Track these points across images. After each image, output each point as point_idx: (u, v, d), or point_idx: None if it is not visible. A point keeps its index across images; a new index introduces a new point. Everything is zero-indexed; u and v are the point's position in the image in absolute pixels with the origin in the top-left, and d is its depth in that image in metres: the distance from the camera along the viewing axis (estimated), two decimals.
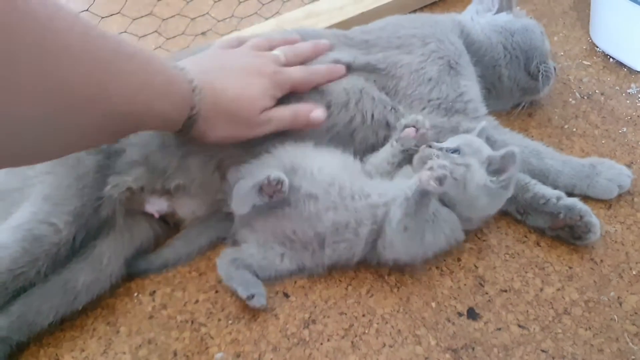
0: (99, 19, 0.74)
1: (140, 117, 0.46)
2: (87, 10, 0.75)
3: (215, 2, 0.90)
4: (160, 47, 0.81)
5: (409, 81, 0.64)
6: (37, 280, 0.53)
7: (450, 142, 0.56)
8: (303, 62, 0.62)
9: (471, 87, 0.65)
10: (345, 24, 0.82)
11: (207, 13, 0.90)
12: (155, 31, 0.83)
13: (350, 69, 0.64)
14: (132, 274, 0.58)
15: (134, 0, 0.88)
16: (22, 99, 0.35)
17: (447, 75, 0.64)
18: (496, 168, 0.54)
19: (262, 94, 0.55)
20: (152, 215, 0.60)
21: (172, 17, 0.86)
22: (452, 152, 0.54)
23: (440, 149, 0.54)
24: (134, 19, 0.81)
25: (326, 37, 0.69)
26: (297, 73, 0.59)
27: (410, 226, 0.51)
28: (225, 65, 0.56)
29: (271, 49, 0.61)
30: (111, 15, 0.78)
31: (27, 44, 0.34)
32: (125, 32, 0.81)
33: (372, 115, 0.62)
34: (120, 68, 0.42)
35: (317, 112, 0.58)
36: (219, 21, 0.88)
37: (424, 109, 0.63)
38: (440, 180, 0.47)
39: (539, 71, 0.68)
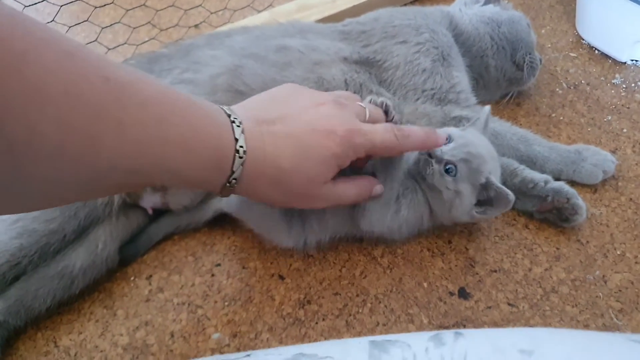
0: (92, 9, 0.75)
1: (152, 176, 0.39)
2: (79, 0, 0.76)
3: None
4: (154, 38, 0.82)
5: (404, 71, 0.65)
6: (28, 269, 0.54)
7: (454, 149, 0.52)
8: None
9: (462, 78, 0.67)
10: (337, 17, 0.83)
11: (200, 5, 0.90)
12: (149, 22, 0.84)
13: (349, 61, 0.66)
14: (123, 262, 0.59)
15: None
16: None
17: (441, 66, 0.66)
18: (487, 198, 0.53)
19: (326, 167, 0.44)
20: None
21: (165, 8, 0.87)
22: (447, 168, 0.52)
23: (440, 160, 0.52)
24: (127, 10, 0.82)
25: (323, 31, 0.70)
26: (381, 135, 0.46)
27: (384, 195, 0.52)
28: (288, 115, 0.44)
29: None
30: (104, 5, 0.79)
31: None
32: (118, 22, 0.81)
33: None
34: (117, 116, 0.34)
35: (378, 189, 0.51)
36: (212, 13, 0.89)
37: (418, 99, 0.65)
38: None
39: (524, 62, 0.70)
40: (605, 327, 0.51)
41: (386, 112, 0.52)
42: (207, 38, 0.72)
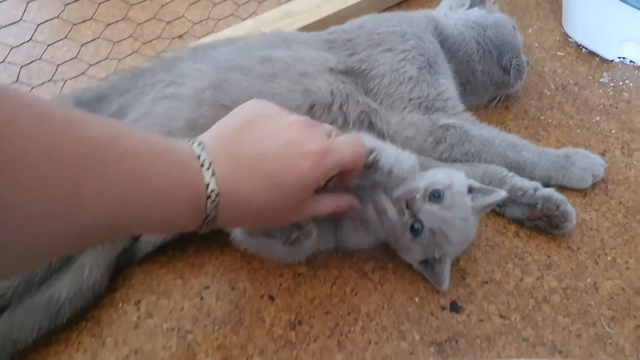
0: (71, 26, 0.73)
1: (135, 227, 0.39)
2: (57, 17, 0.74)
3: (190, 4, 0.89)
4: (136, 52, 0.81)
5: (390, 80, 0.64)
6: (14, 300, 0.53)
7: (432, 215, 0.50)
8: None
9: (449, 85, 0.66)
10: (322, 23, 0.82)
11: (183, 16, 0.89)
12: (131, 36, 0.82)
13: (335, 71, 0.65)
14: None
15: (108, 4, 0.87)
16: None
17: (427, 74, 0.65)
18: (432, 263, 0.53)
19: (303, 195, 0.44)
20: None
21: (148, 20, 0.85)
22: (414, 227, 0.51)
23: (413, 215, 0.51)
24: (108, 24, 0.81)
25: (308, 41, 0.69)
26: (346, 149, 0.46)
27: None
28: (258, 143, 0.43)
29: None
30: (84, 21, 0.77)
31: None
32: (99, 38, 0.80)
33: (355, 118, 0.63)
34: (97, 173, 0.34)
35: (355, 204, 0.51)
36: (195, 24, 0.88)
37: (405, 108, 0.64)
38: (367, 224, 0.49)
39: (511, 66, 0.69)
40: (597, 337, 0.51)
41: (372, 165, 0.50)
42: (190, 51, 0.70)
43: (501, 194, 0.53)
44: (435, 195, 0.51)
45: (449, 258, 0.53)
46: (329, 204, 0.48)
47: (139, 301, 0.57)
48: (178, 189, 0.39)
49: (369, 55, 0.66)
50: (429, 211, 0.50)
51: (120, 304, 0.57)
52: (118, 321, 0.55)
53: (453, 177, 0.53)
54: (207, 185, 0.40)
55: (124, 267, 0.59)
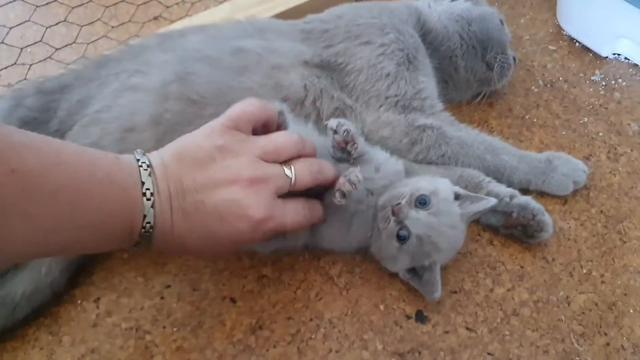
0: (34, 8, 0.70)
1: (61, 254, 0.44)
2: None
3: None
4: (106, 36, 0.77)
5: (367, 76, 0.61)
6: None
7: (417, 221, 0.49)
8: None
9: (428, 82, 0.63)
10: (300, 8, 0.78)
11: None
12: (99, 19, 0.78)
13: (310, 64, 0.62)
14: None
15: None
16: None
17: (406, 70, 0.62)
18: (420, 272, 0.52)
19: (237, 249, 0.47)
20: None
21: (120, 1, 0.81)
22: (400, 235, 0.49)
23: (399, 221, 0.49)
24: (74, 8, 0.77)
25: (283, 30, 0.66)
26: (291, 219, 0.45)
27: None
28: (201, 190, 0.42)
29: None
30: (47, 4, 0.74)
31: None
32: (64, 21, 0.76)
33: (330, 114, 0.60)
34: (26, 209, 0.34)
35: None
36: (167, 7, 0.84)
37: (381, 106, 0.61)
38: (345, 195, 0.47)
39: (495, 62, 0.66)
40: (565, 353, 0.49)
41: (346, 142, 0.49)
42: (159, 38, 0.67)
43: (491, 201, 0.52)
44: (421, 202, 0.49)
45: (438, 265, 0.51)
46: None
47: (99, 299, 0.56)
48: (112, 221, 0.39)
49: (346, 48, 0.62)
50: (414, 217, 0.49)
51: (79, 302, 0.55)
52: (76, 319, 0.54)
53: (438, 184, 0.52)
54: (144, 217, 0.40)
55: (86, 263, 0.58)
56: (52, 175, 0.36)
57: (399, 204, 0.49)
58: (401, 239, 0.49)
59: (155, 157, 0.44)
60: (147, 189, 0.41)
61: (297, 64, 0.62)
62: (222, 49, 0.63)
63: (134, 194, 0.40)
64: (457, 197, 0.52)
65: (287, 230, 0.46)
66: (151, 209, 0.41)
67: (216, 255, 0.48)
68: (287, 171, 0.46)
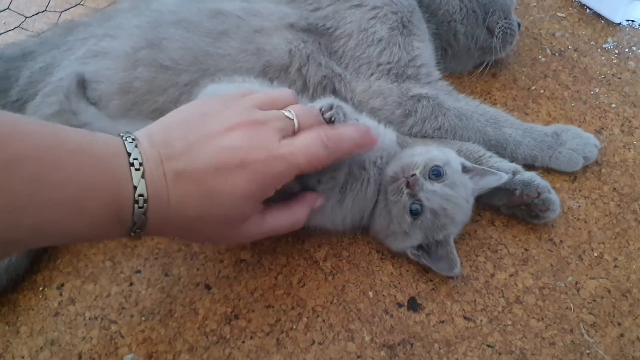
0: None
1: (39, 241, 0.37)
2: None
3: None
4: (80, 4, 0.71)
5: (357, 41, 0.56)
6: None
7: (434, 193, 0.45)
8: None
9: (424, 49, 0.57)
10: None
11: None
12: None
13: (296, 28, 0.56)
14: None
15: None
16: None
17: (400, 36, 0.56)
18: (431, 248, 0.48)
19: (239, 209, 0.39)
20: None
21: None
22: (413, 209, 0.45)
23: (412, 194, 0.45)
24: None
25: None
26: (305, 152, 0.39)
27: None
28: (194, 147, 0.38)
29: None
30: None
31: None
32: None
33: (317, 83, 0.55)
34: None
35: (318, 203, 0.45)
36: None
37: (372, 74, 0.56)
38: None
39: (498, 28, 0.60)
40: (573, 346, 0.44)
41: (331, 120, 0.43)
42: (134, 1, 0.62)
43: (503, 177, 0.48)
44: (435, 173, 0.46)
45: (452, 238, 0.47)
46: (282, 220, 0.43)
47: (62, 285, 0.51)
48: (88, 197, 0.34)
49: (335, 11, 0.57)
50: (430, 190, 0.45)
51: (41, 288, 0.51)
52: (36, 307, 0.49)
53: (449, 155, 0.48)
54: (135, 189, 0.35)
55: (50, 246, 0.53)
56: (8, 145, 0.31)
57: (414, 175, 0.45)
58: (414, 214, 0.45)
59: (139, 132, 0.39)
60: (135, 159, 0.36)
61: (281, 28, 0.56)
62: (199, 11, 0.58)
63: (117, 163, 0.35)
64: (464, 169, 0.48)
65: (303, 167, 0.40)
66: (142, 180, 0.35)
67: (222, 228, 0.40)
68: (287, 113, 0.41)
